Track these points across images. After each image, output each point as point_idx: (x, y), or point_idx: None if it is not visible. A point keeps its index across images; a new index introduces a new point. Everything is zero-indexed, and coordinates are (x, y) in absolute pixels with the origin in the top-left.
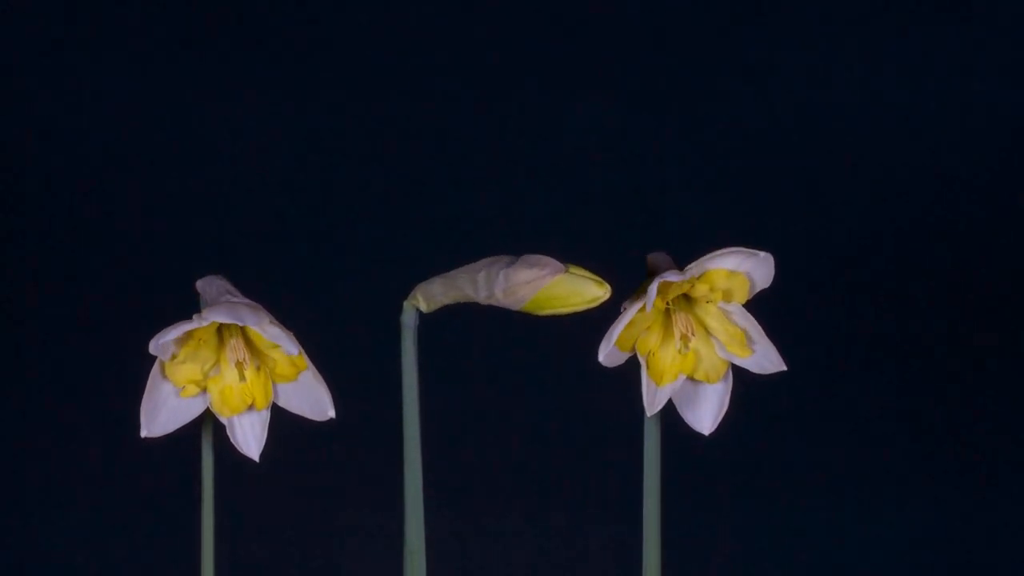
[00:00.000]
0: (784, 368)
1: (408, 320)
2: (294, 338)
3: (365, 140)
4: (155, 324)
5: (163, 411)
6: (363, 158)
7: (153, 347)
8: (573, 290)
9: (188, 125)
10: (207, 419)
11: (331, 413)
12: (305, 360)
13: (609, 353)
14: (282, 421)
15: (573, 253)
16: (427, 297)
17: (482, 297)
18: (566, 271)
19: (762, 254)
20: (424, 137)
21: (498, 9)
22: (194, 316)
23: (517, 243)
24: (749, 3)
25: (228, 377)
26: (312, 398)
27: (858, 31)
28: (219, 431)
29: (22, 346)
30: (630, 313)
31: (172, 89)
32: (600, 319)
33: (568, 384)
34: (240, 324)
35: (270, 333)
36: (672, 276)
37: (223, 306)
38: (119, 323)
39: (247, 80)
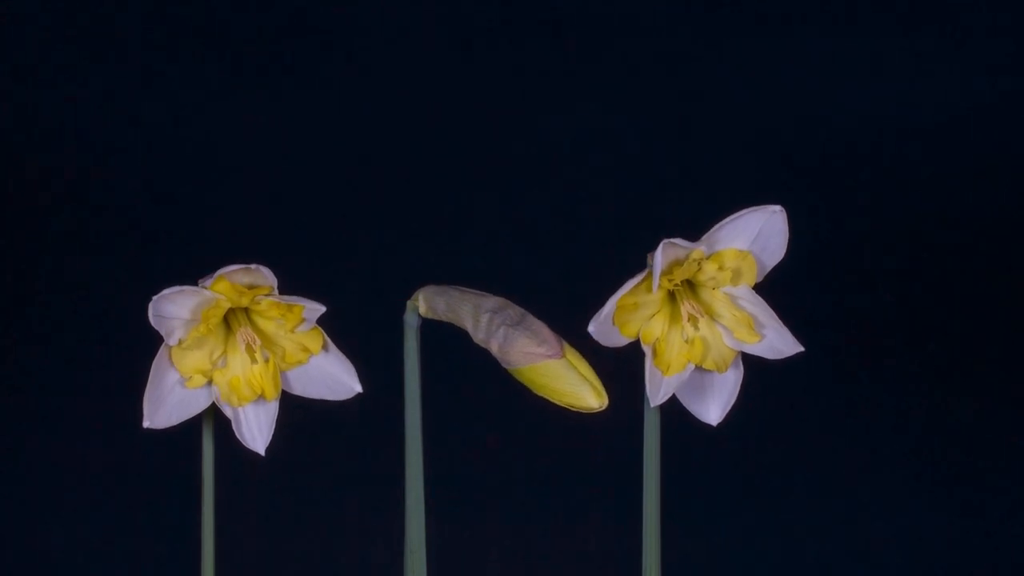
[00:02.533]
0: (801, 349)
1: (411, 320)
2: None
3: (367, 140)
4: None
5: (167, 403)
6: (365, 158)
7: (152, 313)
8: (570, 390)
9: (192, 128)
10: (207, 417)
11: (357, 387)
12: (321, 337)
13: (602, 327)
14: (283, 420)
15: (573, 253)
16: (428, 304)
17: (478, 339)
18: (562, 356)
19: (775, 207)
20: (426, 138)
21: (498, 10)
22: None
23: (518, 243)
24: (748, 3)
25: (235, 367)
26: (330, 379)
27: (857, 30)
28: (220, 429)
29: (24, 344)
30: (631, 283)
31: (176, 91)
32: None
33: None
34: (254, 268)
35: (291, 299)
36: (679, 240)
37: (237, 264)
38: (120, 323)
39: (251, 84)
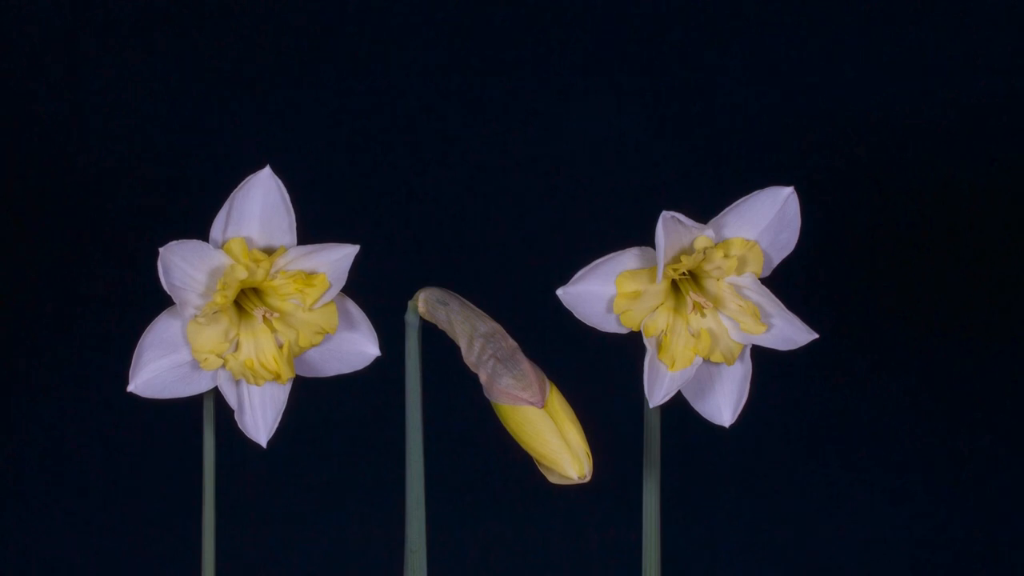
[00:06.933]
0: (815, 336)
1: (412, 319)
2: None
3: (368, 139)
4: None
5: (162, 376)
6: (366, 157)
7: (164, 278)
8: (550, 455)
9: (191, 127)
10: (208, 415)
11: (375, 352)
12: (337, 313)
13: (571, 298)
14: (284, 419)
15: (575, 250)
16: (428, 308)
17: (469, 362)
18: (544, 405)
19: (787, 189)
20: (427, 136)
21: (498, 9)
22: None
23: (518, 243)
24: (747, 2)
25: (249, 350)
26: (345, 351)
27: (854, 28)
28: (221, 427)
29: (24, 342)
30: (611, 257)
31: (176, 91)
32: (604, 335)
33: (571, 384)
34: (268, 174)
35: (315, 248)
36: (682, 217)
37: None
38: (121, 321)
39: (251, 84)
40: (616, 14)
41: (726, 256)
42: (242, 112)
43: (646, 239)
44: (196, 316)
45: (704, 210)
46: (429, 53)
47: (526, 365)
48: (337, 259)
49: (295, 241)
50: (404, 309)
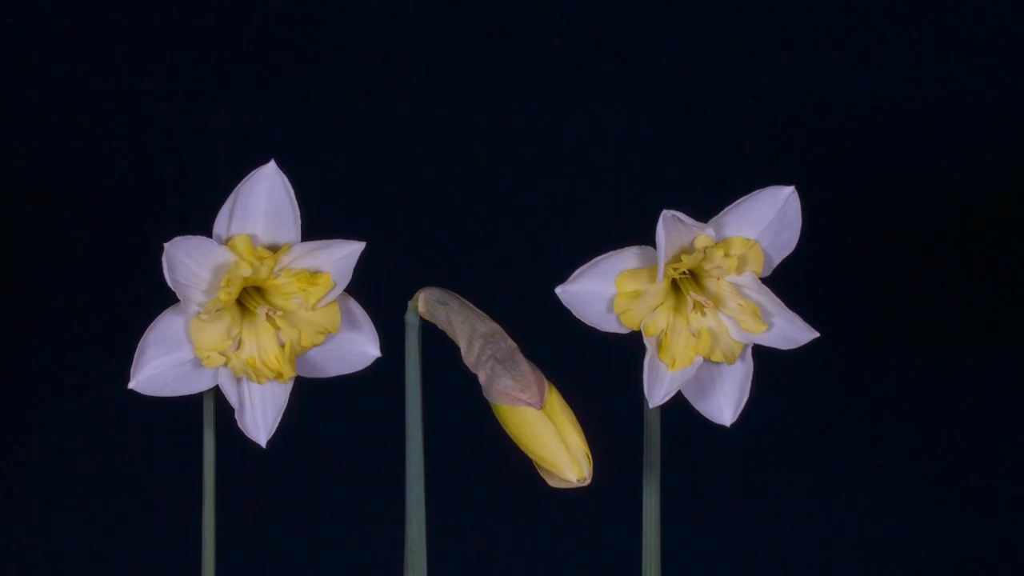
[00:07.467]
0: (816, 335)
1: (412, 319)
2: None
3: (369, 138)
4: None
5: (163, 374)
6: (367, 156)
7: (168, 273)
8: (548, 457)
9: (191, 129)
10: (208, 414)
11: (376, 353)
12: (340, 313)
13: (570, 296)
14: (284, 419)
15: (573, 252)
16: (428, 308)
17: (468, 362)
18: (542, 407)
19: (788, 189)
20: (428, 136)
21: (499, 9)
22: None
23: (518, 243)
24: (748, 1)
25: (251, 349)
26: (347, 351)
27: (855, 27)
28: (221, 427)
29: (22, 341)
30: (621, 254)
31: (175, 88)
32: (604, 335)
33: (571, 384)
34: (272, 169)
35: (319, 245)
36: (683, 216)
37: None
38: (119, 321)
39: (252, 84)
40: (616, 13)
41: (726, 255)
42: (243, 111)
43: (646, 238)
44: (199, 313)
45: (704, 210)
46: (430, 52)
47: (525, 366)
48: (342, 257)
49: (299, 238)
50: (404, 309)
